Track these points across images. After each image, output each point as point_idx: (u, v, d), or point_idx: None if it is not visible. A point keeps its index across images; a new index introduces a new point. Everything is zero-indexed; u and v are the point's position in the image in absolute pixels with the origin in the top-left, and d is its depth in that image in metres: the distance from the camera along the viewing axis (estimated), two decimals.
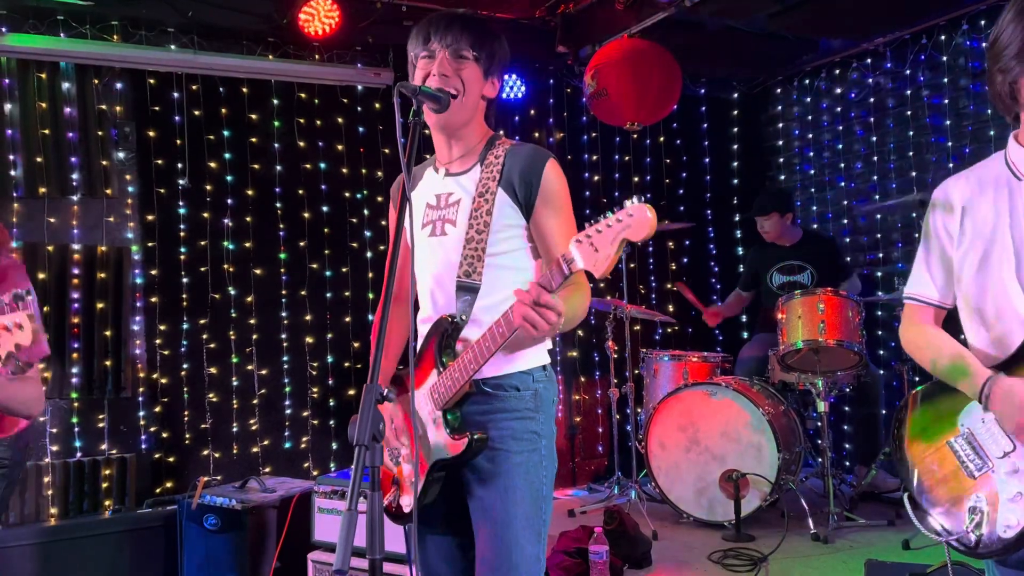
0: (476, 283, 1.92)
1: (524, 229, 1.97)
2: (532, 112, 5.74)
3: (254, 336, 4.93)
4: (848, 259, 5.54)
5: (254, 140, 4.98)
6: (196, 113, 4.82)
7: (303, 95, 5.11)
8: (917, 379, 4.85)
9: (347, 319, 5.19)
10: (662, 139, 6.15)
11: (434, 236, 2.02)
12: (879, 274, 5.53)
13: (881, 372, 5.12)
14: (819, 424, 4.40)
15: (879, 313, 5.42)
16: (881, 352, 5.40)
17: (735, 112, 6.42)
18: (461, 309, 1.92)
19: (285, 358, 5.01)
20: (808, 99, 6.08)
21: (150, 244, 4.69)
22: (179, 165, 4.77)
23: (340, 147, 5.21)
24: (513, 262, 1.97)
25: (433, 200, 2.06)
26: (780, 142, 6.34)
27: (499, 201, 1.94)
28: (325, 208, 5.15)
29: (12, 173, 4.37)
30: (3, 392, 2.34)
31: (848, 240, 5.77)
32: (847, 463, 5.36)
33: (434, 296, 2.03)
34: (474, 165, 2.02)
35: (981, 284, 1.78)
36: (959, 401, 1.81)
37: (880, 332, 5.40)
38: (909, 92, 5.36)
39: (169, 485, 4.64)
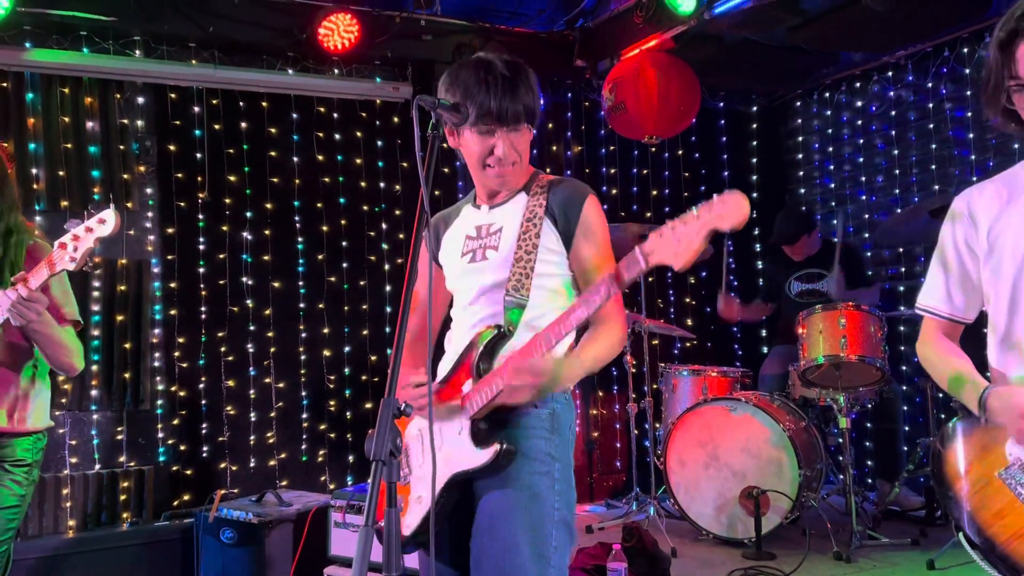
0: (523, 299, 1.92)
1: (563, 257, 2.00)
2: (550, 126, 5.74)
3: (272, 349, 4.93)
4: (870, 272, 5.46)
5: (273, 154, 5.00)
6: (216, 127, 4.85)
7: (322, 109, 5.14)
8: (940, 395, 4.78)
9: (364, 332, 5.19)
10: (680, 152, 6.13)
11: (474, 262, 2.03)
12: (901, 288, 5.46)
13: (903, 388, 5.05)
14: (840, 440, 4.34)
15: (901, 328, 5.35)
16: (904, 367, 5.33)
17: (754, 125, 6.39)
18: (508, 320, 1.92)
19: (303, 371, 5.01)
20: (828, 112, 6.04)
21: (169, 257, 4.72)
22: (199, 178, 4.80)
23: (359, 161, 5.22)
24: (555, 285, 1.99)
25: (473, 232, 2.08)
26: (800, 155, 6.30)
27: (545, 228, 1.97)
28: (343, 221, 5.16)
29: (35, 186, 4.41)
30: (50, 328, 2.42)
31: (869, 254, 5.71)
32: (869, 480, 5.29)
33: (471, 316, 2.03)
34: (515, 195, 2.05)
35: (1012, 306, 1.71)
36: (1001, 430, 1.72)
37: (902, 347, 5.33)
38: (931, 105, 5.31)
39: (187, 498, 4.65)
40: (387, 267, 5.27)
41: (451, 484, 1.90)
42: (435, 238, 2.17)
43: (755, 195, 6.33)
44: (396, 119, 5.30)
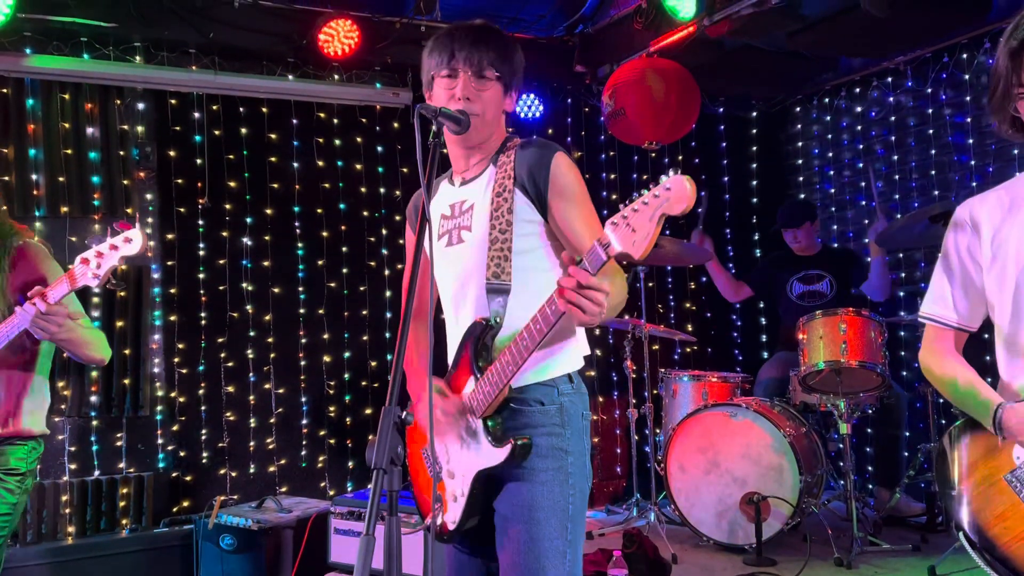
0: (507, 284, 1.88)
1: (541, 226, 1.94)
2: (550, 131, 5.74)
3: (272, 355, 4.93)
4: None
5: (273, 159, 5.01)
6: (216, 133, 4.86)
7: (322, 115, 5.14)
8: (941, 401, 4.78)
9: (364, 338, 5.18)
10: (680, 158, 6.13)
11: (451, 245, 2.01)
12: (901, 294, 5.46)
13: (904, 393, 5.05)
14: (841, 446, 4.33)
15: (902, 333, 5.35)
16: (904, 373, 5.33)
17: (754, 131, 6.39)
18: (495, 312, 1.88)
19: (302, 377, 5.00)
20: (828, 117, 6.04)
21: (169, 262, 4.71)
22: (199, 184, 4.80)
23: (359, 166, 5.22)
24: (536, 262, 1.94)
25: (448, 211, 2.05)
26: (800, 161, 6.31)
27: (517, 199, 1.91)
28: (343, 227, 5.16)
29: (35, 192, 4.42)
30: (74, 332, 2.46)
31: (870, 259, 5.69)
32: (870, 486, 5.28)
33: (458, 305, 2.00)
34: (486, 168, 2.01)
35: (1016, 312, 1.73)
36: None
37: (903, 352, 5.33)
38: (931, 111, 5.32)
39: (186, 504, 4.64)
40: (387, 272, 5.26)
41: (478, 480, 1.90)
42: (417, 217, 2.14)
43: (755, 200, 6.34)
44: (396, 124, 5.31)
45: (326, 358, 5.07)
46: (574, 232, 1.89)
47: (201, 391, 4.75)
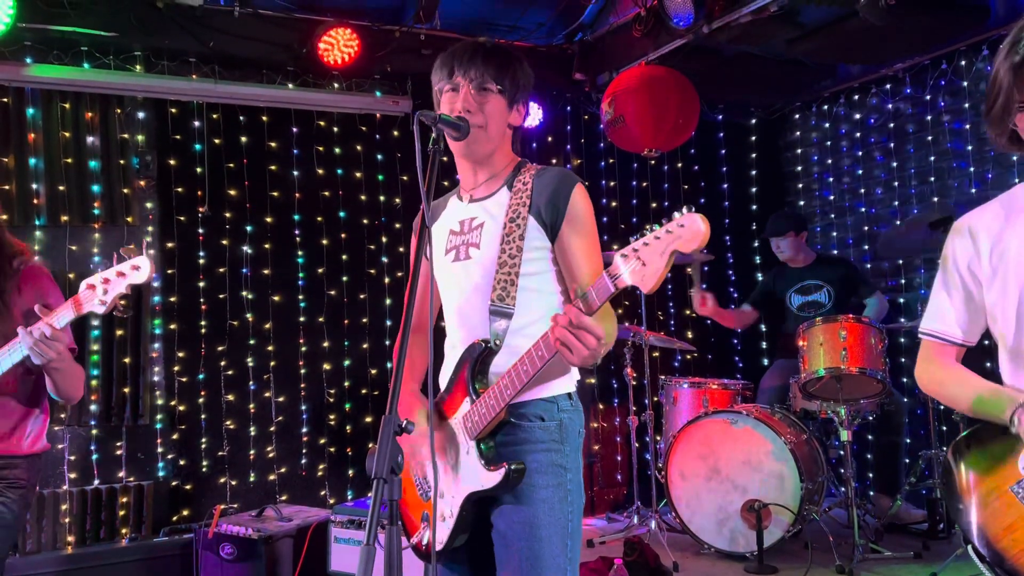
0: (510, 308, 1.90)
1: (549, 251, 1.96)
2: (549, 139, 5.75)
3: (272, 363, 4.93)
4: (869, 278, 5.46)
5: (273, 168, 5.01)
6: (216, 141, 4.86)
7: (322, 123, 5.15)
8: (942, 407, 4.78)
9: (365, 346, 5.18)
10: (680, 165, 6.14)
11: (458, 261, 2.01)
12: (901, 300, 5.46)
13: (905, 400, 5.04)
14: (842, 453, 4.33)
15: (902, 340, 5.35)
16: (904, 379, 5.32)
17: (753, 138, 6.40)
18: (495, 334, 1.89)
19: (302, 385, 5.00)
20: (827, 124, 6.05)
21: (169, 271, 4.71)
22: (199, 193, 4.81)
23: (358, 174, 5.23)
24: (541, 285, 1.96)
25: (456, 226, 2.06)
26: (799, 167, 6.32)
27: (530, 226, 1.93)
28: (343, 235, 5.16)
29: (35, 201, 4.42)
30: (66, 363, 2.42)
31: (869, 266, 5.71)
32: (871, 493, 5.27)
33: (460, 321, 2.01)
34: (499, 189, 2.02)
35: (1020, 323, 1.72)
36: (1016, 444, 1.70)
37: (903, 359, 5.33)
38: (929, 117, 5.33)
39: (186, 513, 4.63)
40: (387, 280, 5.26)
41: (468, 501, 1.89)
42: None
43: (754, 207, 6.35)
44: (396, 133, 5.31)
45: (326, 366, 5.07)
46: (576, 261, 1.92)
47: (201, 399, 4.74)
